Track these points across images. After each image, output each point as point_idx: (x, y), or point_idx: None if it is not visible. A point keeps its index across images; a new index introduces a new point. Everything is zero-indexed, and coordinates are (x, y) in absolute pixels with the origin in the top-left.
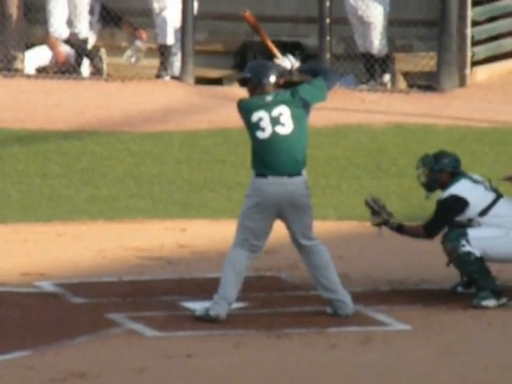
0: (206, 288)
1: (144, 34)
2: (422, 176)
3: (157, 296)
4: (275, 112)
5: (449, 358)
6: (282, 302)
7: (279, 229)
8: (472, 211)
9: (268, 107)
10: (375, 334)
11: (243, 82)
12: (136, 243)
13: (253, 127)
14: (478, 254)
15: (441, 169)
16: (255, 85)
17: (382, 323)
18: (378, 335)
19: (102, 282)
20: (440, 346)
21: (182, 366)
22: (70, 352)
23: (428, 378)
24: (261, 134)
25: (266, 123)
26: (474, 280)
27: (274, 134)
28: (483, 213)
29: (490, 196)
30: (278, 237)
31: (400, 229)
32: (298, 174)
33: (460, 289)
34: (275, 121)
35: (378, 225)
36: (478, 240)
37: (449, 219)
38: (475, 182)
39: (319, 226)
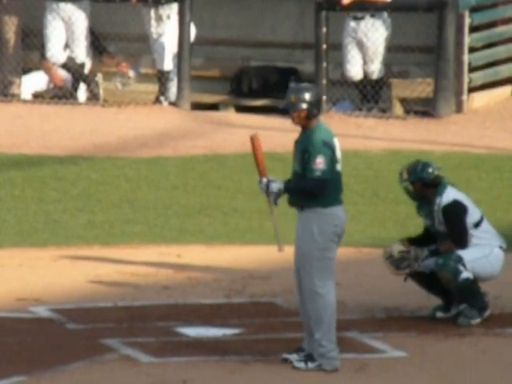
0: (202, 314)
1: (126, 68)
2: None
3: (152, 321)
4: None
5: None
6: (277, 328)
7: (273, 255)
8: (469, 220)
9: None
10: (371, 361)
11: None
12: (131, 268)
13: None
14: (472, 276)
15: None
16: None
17: (378, 350)
18: (374, 362)
19: (97, 307)
20: (435, 374)
21: None
22: (65, 377)
23: None
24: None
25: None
26: (467, 301)
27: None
28: (477, 225)
29: (478, 209)
30: (272, 263)
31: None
32: None
33: (439, 314)
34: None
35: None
36: (471, 262)
37: (465, 223)
38: (459, 191)
39: None
